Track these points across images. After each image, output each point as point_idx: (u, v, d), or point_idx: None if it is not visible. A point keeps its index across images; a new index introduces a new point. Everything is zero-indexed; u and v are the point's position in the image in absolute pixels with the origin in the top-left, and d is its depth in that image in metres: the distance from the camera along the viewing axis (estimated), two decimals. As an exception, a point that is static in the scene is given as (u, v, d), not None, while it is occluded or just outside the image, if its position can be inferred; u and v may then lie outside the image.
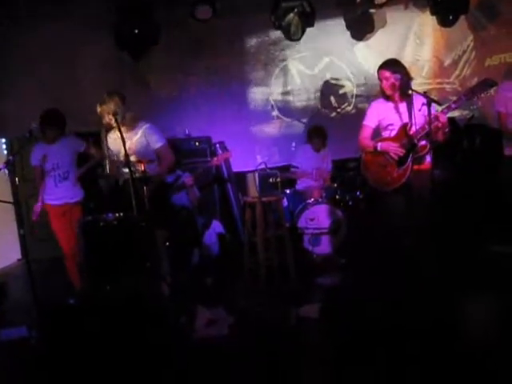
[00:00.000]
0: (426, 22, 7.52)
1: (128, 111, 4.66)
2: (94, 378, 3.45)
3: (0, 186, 5.25)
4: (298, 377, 3.32)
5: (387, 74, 4.45)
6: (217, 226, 6.45)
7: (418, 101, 4.26)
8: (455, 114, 7.05)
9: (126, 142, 4.37)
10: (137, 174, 4.40)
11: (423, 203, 4.38)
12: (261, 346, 3.77)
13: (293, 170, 6.76)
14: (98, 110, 4.60)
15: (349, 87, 7.76)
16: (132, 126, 4.71)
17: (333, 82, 7.76)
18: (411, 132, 4.33)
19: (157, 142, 4.74)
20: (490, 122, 7.14)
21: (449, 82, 7.63)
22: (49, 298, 5.18)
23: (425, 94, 4.11)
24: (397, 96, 4.47)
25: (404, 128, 4.39)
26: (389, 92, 4.47)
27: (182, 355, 3.73)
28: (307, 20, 6.73)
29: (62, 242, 5.28)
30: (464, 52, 7.55)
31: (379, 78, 4.54)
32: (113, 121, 4.53)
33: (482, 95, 4.28)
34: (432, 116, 4.09)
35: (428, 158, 4.35)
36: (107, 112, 4.56)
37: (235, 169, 7.13)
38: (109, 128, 4.79)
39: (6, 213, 6.73)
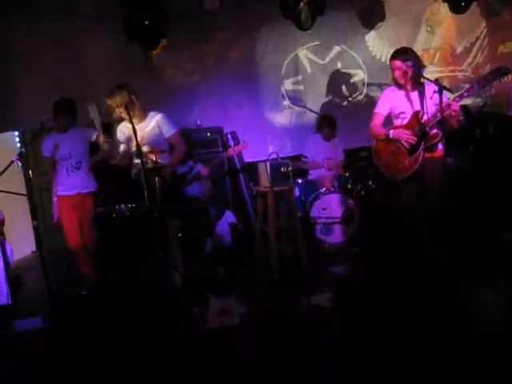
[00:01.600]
0: (437, 10, 7.43)
1: (137, 102, 4.67)
2: (106, 368, 3.48)
3: (13, 178, 5.25)
4: (308, 366, 3.32)
5: (399, 63, 4.43)
6: (229, 216, 6.46)
7: (430, 89, 4.24)
8: (468, 101, 6.97)
9: (138, 132, 4.40)
10: (149, 165, 4.43)
11: (435, 191, 4.37)
12: (272, 336, 3.78)
13: (304, 160, 6.74)
14: (107, 103, 4.62)
15: (360, 76, 7.70)
16: (142, 116, 4.73)
17: (344, 70, 7.70)
18: (423, 120, 4.31)
19: (170, 131, 4.79)
20: (504, 109, 7.09)
21: (461, 69, 7.55)
22: (63, 288, 5.27)
23: (436, 82, 4.09)
24: (409, 84, 4.44)
25: (416, 116, 4.37)
26: (401, 81, 4.46)
27: (193, 345, 3.74)
28: (317, 9, 6.67)
29: (70, 235, 5.27)
30: (477, 39, 7.46)
31: (391, 68, 4.52)
32: (123, 113, 4.56)
33: (495, 83, 4.24)
34: (444, 104, 4.08)
35: (440, 146, 4.33)
36: (116, 105, 4.59)
37: (247, 158, 7.12)
38: (119, 120, 4.82)
39: (20, 205, 6.78)
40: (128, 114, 4.43)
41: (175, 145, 4.84)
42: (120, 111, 4.61)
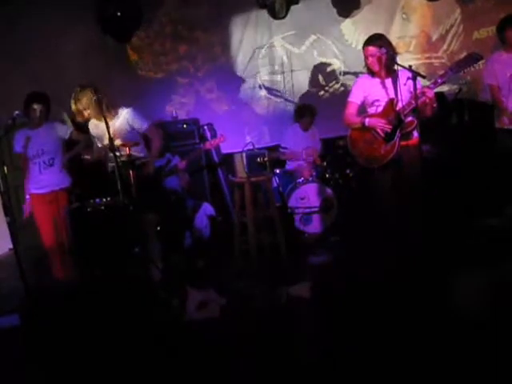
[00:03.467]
0: (412, -3, 7.46)
1: (104, 100, 4.58)
2: (85, 363, 3.45)
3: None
4: (289, 356, 3.32)
5: (373, 49, 4.38)
6: (207, 209, 6.42)
7: (404, 75, 4.21)
8: (444, 88, 7.02)
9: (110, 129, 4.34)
10: (123, 158, 4.38)
11: (412, 179, 4.36)
12: (252, 327, 3.77)
13: (282, 150, 6.72)
14: (73, 107, 4.55)
15: (336, 65, 7.70)
16: (111, 112, 4.66)
17: (320, 59, 7.70)
18: (398, 108, 4.29)
19: (143, 124, 4.72)
20: (480, 95, 7.12)
21: (437, 56, 7.57)
22: (42, 285, 5.19)
23: (410, 69, 4.07)
24: (383, 71, 4.41)
25: (391, 104, 4.35)
26: (375, 68, 4.42)
27: (173, 338, 3.72)
28: (292, -2, 6.67)
29: (45, 234, 5.18)
30: (451, 26, 7.47)
31: (365, 55, 4.47)
32: (92, 114, 4.52)
33: (468, 69, 4.25)
34: (419, 92, 4.07)
35: (415, 134, 4.32)
36: (83, 107, 4.52)
37: (225, 150, 7.09)
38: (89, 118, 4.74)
39: (-4, 202, 6.68)
40: (99, 111, 4.38)
41: (151, 139, 4.79)
42: (88, 113, 4.54)
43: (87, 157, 5.06)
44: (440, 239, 4.57)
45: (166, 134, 6.01)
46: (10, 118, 4.63)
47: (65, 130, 5.22)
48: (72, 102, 4.56)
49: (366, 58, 4.47)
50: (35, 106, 5.04)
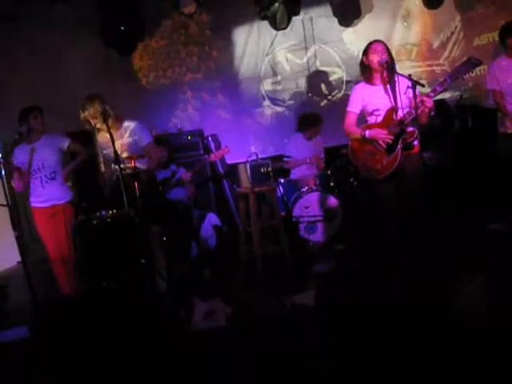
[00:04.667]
0: (412, 5, 7.50)
1: (111, 110, 4.63)
2: (93, 375, 3.49)
3: (-2, 189, 5.22)
4: (294, 365, 3.34)
5: (381, 47, 4.33)
6: (213, 219, 6.47)
7: (403, 84, 4.18)
8: (446, 95, 7.04)
9: (116, 141, 4.40)
10: (127, 170, 4.43)
11: (416, 188, 4.35)
12: (256, 336, 3.80)
13: (286, 159, 6.76)
14: (82, 116, 4.58)
15: (339, 74, 7.76)
16: (117, 125, 4.70)
17: (322, 69, 7.76)
18: (398, 117, 4.25)
19: (144, 140, 4.76)
20: (483, 101, 7.14)
21: (438, 63, 7.61)
22: (50, 298, 5.24)
23: (409, 77, 4.06)
24: (380, 79, 4.38)
25: (391, 113, 4.28)
26: (375, 66, 4.32)
27: (180, 348, 3.75)
28: (293, 9, 6.73)
29: (50, 247, 5.16)
30: (452, 33, 7.52)
31: (369, 52, 4.36)
32: (98, 124, 4.56)
33: (468, 75, 4.23)
34: (418, 101, 4.03)
35: (416, 142, 4.30)
36: (91, 117, 4.56)
37: (230, 160, 7.14)
38: (96, 130, 4.78)
39: (3, 216, 6.75)
40: (105, 122, 4.42)
41: (150, 155, 4.81)
42: (95, 122, 4.58)
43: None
44: (443, 246, 4.58)
45: (170, 146, 6.08)
46: (18, 132, 4.70)
47: (64, 141, 5.18)
48: (80, 111, 4.60)
49: (366, 55, 4.40)
50: (35, 113, 5.02)
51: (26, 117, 4.99)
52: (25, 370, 3.82)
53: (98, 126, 4.62)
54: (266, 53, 7.75)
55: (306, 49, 7.73)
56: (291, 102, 7.86)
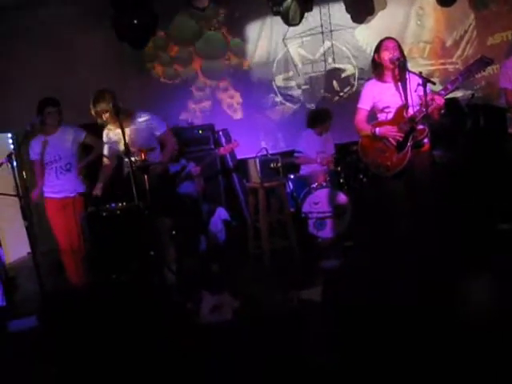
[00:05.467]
0: (426, 3, 7.47)
1: (121, 105, 4.62)
2: (100, 366, 3.52)
3: (7, 180, 5.28)
4: (300, 361, 3.35)
5: (393, 44, 4.33)
6: (222, 213, 6.49)
7: (414, 81, 4.17)
8: (458, 94, 7.02)
9: (126, 136, 4.40)
10: (138, 164, 4.45)
11: (426, 186, 4.35)
12: (262, 330, 3.82)
13: (296, 155, 6.76)
14: (92, 110, 4.60)
15: (351, 71, 7.76)
16: (129, 119, 4.71)
17: (334, 65, 7.76)
18: (408, 114, 4.25)
19: (160, 128, 4.79)
20: (495, 100, 7.11)
21: (451, 62, 7.58)
22: (59, 288, 5.29)
23: (420, 75, 4.05)
24: (391, 76, 4.39)
25: (401, 110, 4.29)
26: (386, 63, 4.32)
27: (186, 341, 3.78)
28: (305, 5, 6.72)
29: (60, 237, 5.24)
30: (465, 31, 7.49)
31: (381, 50, 4.36)
32: (109, 118, 4.58)
33: (479, 74, 4.22)
34: (429, 98, 4.01)
35: (426, 140, 4.30)
36: (102, 111, 4.57)
37: (240, 155, 7.15)
38: (106, 123, 4.79)
39: (14, 207, 6.81)
40: (116, 117, 4.44)
41: (165, 142, 4.84)
42: (106, 117, 4.60)
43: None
44: (453, 245, 4.57)
45: (181, 140, 6.10)
46: (29, 124, 4.75)
47: (81, 134, 5.26)
48: (91, 105, 4.62)
49: (377, 52, 4.40)
50: (50, 110, 5.07)
51: (42, 109, 5.06)
52: (33, 360, 3.86)
53: (108, 120, 4.64)
54: (278, 48, 7.75)
55: (319, 45, 7.72)
56: (303, 97, 7.85)
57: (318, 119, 6.72)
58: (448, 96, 4.24)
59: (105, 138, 4.90)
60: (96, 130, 5.13)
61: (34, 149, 5.23)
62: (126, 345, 3.69)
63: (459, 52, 7.54)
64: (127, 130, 4.53)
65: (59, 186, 5.20)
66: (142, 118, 4.75)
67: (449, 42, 7.57)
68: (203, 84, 7.81)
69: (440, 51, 7.60)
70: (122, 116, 4.51)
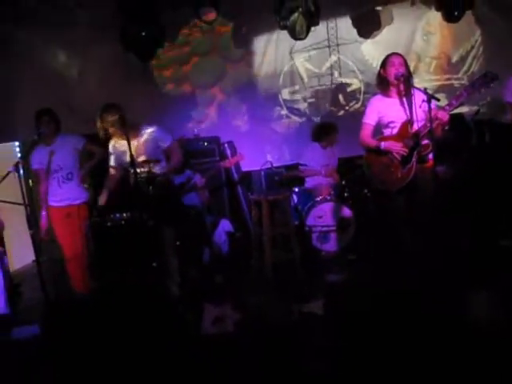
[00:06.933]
0: (432, 19, 7.48)
1: (127, 119, 4.64)
2: (102, 375, 3.53)
3: (13, 188, 5.32)
4: (300, 374, 3.36)
5: (398, 60, 4.36)
6: (226, 225, 6.51)
7: (419, 97, 4.20)
8: (464, 109, 7.03)
9: (132, 148, 4.42)
10: (143, 175, 4.48)
11: (429, 202, 4.36)
12: (262, 343, 3.82)
13: (301, 168, 6.77)
14: (98, 124, 4.63)
15: (357, 85, 7.78)
16: (134, 133, 4.72)
17: (340, 80, 7.80)
18: (413, 130, 4.28)
19: (166, 141, 4.81)
20: (500, 116, 7.11)
21: (457, 77, 7.60)
22: (63, 296, 5.31)
23: (425, 91, 4.07)
24: (396, 92, 4.42)
25: (406, 126, 4.33)
26: (391, 79, 4.35)
27: (187, 353, 3.78)
28: (312, 19, 6.76)
29: (65, 247, 5.28)
30: (472, 47, 7.52)
31: (387, 66, 4.40)
32: (115, 132, 4.61)
33: (484, 89, 4.23)
34: (433, 114, 4.02)
35: (430, 156, 4.31)
36: (109, 124, 4.60)
37: (245, 168, 7.19)
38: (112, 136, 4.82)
39: (20, 215, 6.84)
40: (123, 129, 4.47)
41: (171, 155, 4.86)
42: (112, 130, 4.63)
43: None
44: (455, 260, 4.57)
45: (186, 152, 6.13)
46: (36, 134, 4.80)
47: (80, 142, 5.31)
48: (97, 119, 4.65)
49: (383, 67, 4.45)
50: (43, 119, 5.09)
51: (36, 119, 5.11)
52: (36, 368, 3.87)
53: (114, 133, 4.65)
54: (284, 62, 7.80)
55: (325, 59, 7.76)
56: (308, 111, 7.89)
57: (323, 133, 6.73)
58: (453, 111, 4.25)
59: (111, 149, 4.92)
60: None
61: (35, 159, 5.26)
62: (128, 354, 3.70)
63: (465, 68, 7.56)
64: (133, 142, 4.55)
65: (61, 195, 5.24)
66: (148, 131, 4.77)
67: (455, 58, 7.58)
68: (209, 96, 7.85)
69: (446, 67, 7.61)
70: (128, 128, 4.54)
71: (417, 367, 3.15)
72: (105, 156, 5.13)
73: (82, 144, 5.31)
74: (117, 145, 4.86)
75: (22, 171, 4.66)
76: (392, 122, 4.43)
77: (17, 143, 7.80)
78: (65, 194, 5.23)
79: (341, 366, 3.37)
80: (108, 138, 4.78)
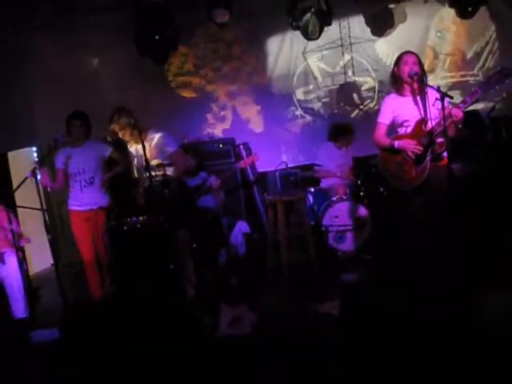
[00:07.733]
0: (446, 15, 7.46)
1: (138, 122, 4.71)
2: (120, 378, 3.55)
3: (31, 193, 5.39)
4: (317, 374, 3.36)
5: (412, 59, 4.34)
6: (242, 226, 6.52)
7: (432, 95, 4.17)
8: (479, 106, 6.97)
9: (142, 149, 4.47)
10: (157, 178, 4.52)
11: (440, 200, 4.34)
12: (280, 344, 3.82)
13: (316, 168, 6.76)
14: (110, 128, 4.68)
15: (371, 84, 7.78)
16: (144, 136, 4.75)
17: (354, 79, 7.78)
18: (427, 128, 4.26)
19: (172, 147, 4.86)
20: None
21: (472, 74, 7.56)
22: (81, 300, 5.36)
23: (438, 89, 4.05)
24: (410, 90, 4.40)
25: (420, 124, 4.31)
26: (405, 77, 4.32)
27: (204, 355, 3.80)
28: (324, 19, 6.76)
29: (84, 250, 5.29)
30: (487, 43, 7.46)
31: (401, 64, 4.37)
32: (126, 136, 4.66)
33: (499, 86, 4.19)
34: (446, 112, 3.99)
35: (445, 154, 4.29)
36: (119, 129, 4.65)
37: (261, 168, 7.19)
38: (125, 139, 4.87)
39: (39, 220, 6.92)
40: (136, 132, 4.51)
41: (176, 161, 4.89)
42: (123, 133, 4.67)
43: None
44: (471, 258, 4.53)
45: (201, 154, 6.16)
46: (53, 140, 4.85)
47: (106, 150, 5.35)
48: (110, 121, 4.71)
49: (397, 65, 4.42)
50: (76, 122, 5.16)
51: (68, 122, 5.17)
52: (55, 372, 3.91)
53: (126, 137, 4.71)
54: (298, 62, 7.80)
55: (339, 58, 7.75)
56: (323, 110, 7.88)
57: (340, 133, 6.70)
58: (468, 108, 4.23)
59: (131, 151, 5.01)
60: (119, 145, 5.23)
61: (60, 159, 5.31)
62: (146, 357, 3.72)
63: (480, 64, 7.51)
64: (146, 145, 4.60)
65: (83, 199, 5.27)
66: (157, 135, 4.83)
67: (469, 54, 7.55)
68: (224, 97, 7.88)
69: (461, 63, 7.58)
70: (142, 132, 4.59)
71: (436, 371, 3.13)
72: (128, 165, 5.19)
73: (109, 152, 5.33)
74: (131, 148, 4.92)
75: (39, 176, 4.70)
76: (406, 120, 4.42)
77: (34, 148, 7.88)
78: (86, 199, 5.26)
79: (358, 368, 3.36)
80: (119, 141, 4.84)
